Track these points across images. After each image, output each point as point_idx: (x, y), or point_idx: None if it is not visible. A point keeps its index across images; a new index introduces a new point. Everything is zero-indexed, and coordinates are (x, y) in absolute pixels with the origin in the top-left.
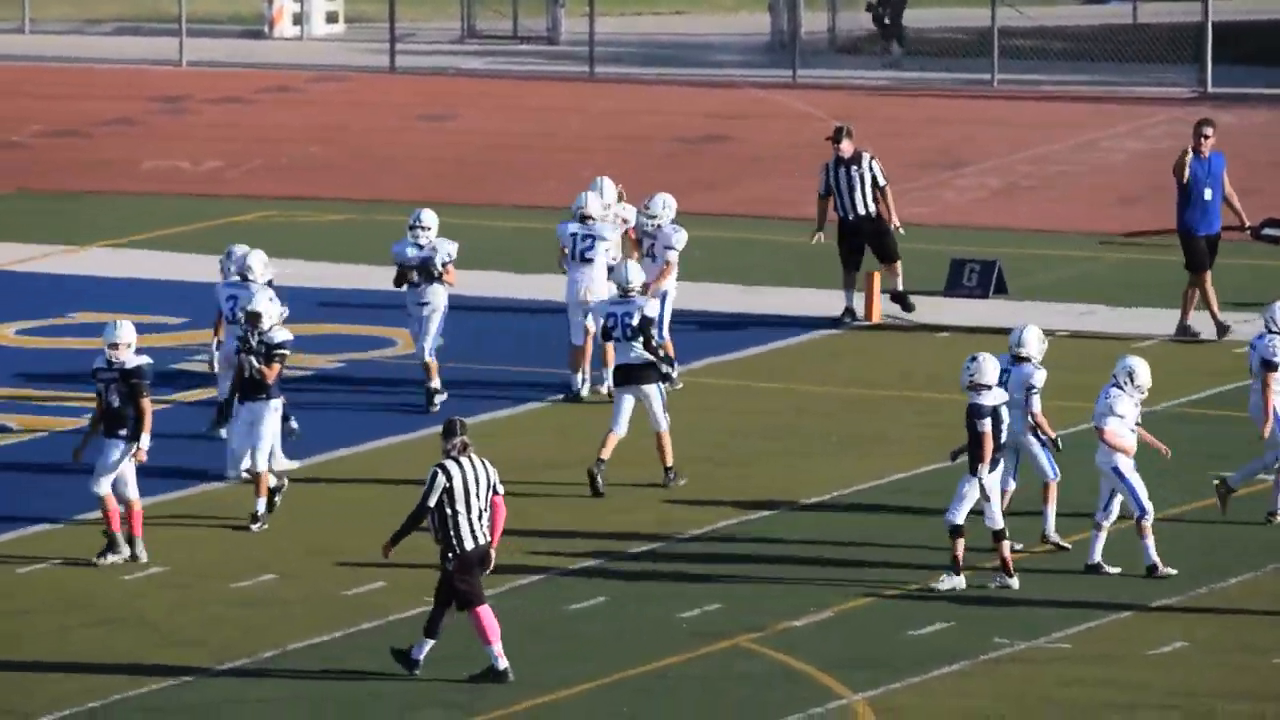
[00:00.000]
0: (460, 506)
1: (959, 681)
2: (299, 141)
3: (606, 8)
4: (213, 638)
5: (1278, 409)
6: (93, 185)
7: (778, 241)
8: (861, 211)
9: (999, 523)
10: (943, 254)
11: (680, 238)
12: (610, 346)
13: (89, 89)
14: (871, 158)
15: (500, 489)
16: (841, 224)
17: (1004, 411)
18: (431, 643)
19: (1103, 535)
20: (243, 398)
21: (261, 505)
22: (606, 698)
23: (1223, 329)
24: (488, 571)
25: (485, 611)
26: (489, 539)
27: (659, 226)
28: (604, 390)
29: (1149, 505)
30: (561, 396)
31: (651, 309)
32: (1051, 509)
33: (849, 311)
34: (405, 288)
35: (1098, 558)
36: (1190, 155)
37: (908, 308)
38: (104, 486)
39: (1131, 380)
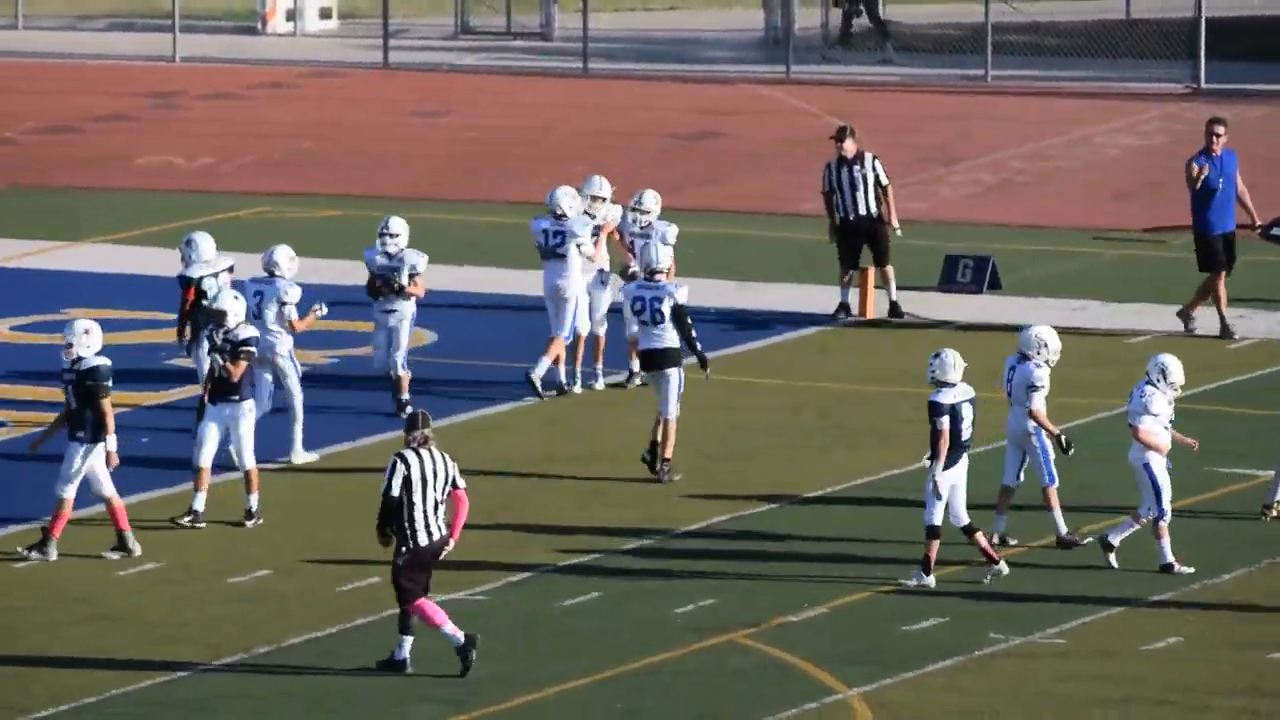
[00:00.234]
0: (416, 498)
1: (954, 677)
2: (292, 137)
3: (600, 4)
4: (208, 633)
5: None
6: (86, 181)
7: (771, 237)
8: (862, 211)
9: (964, 519)
10: (937, 250)
11: (672, 232)
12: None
13: (82, 85)
14: (874, 158)
15: (461, 483)
16: (841, 223)
17: (965, 409)
18: (410, 639)
19: (1135, 528)
20: (214, 398)
21: (254, 501)
22: (600, 694)
23: (1226, 331)
24: (440, 557)
25: (425, 602)
26: (444, 534)
27: (650, 224)
28: (598, 386)
29: (1169, 508)
30: (554, 392)
31: (683, 295)
32: (1057, 512)
33: (843, 307)
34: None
35: (1116, 540)
36: (1201, 168)
37: (897, 315)
38: (63, 490)
39: (1165, 377)
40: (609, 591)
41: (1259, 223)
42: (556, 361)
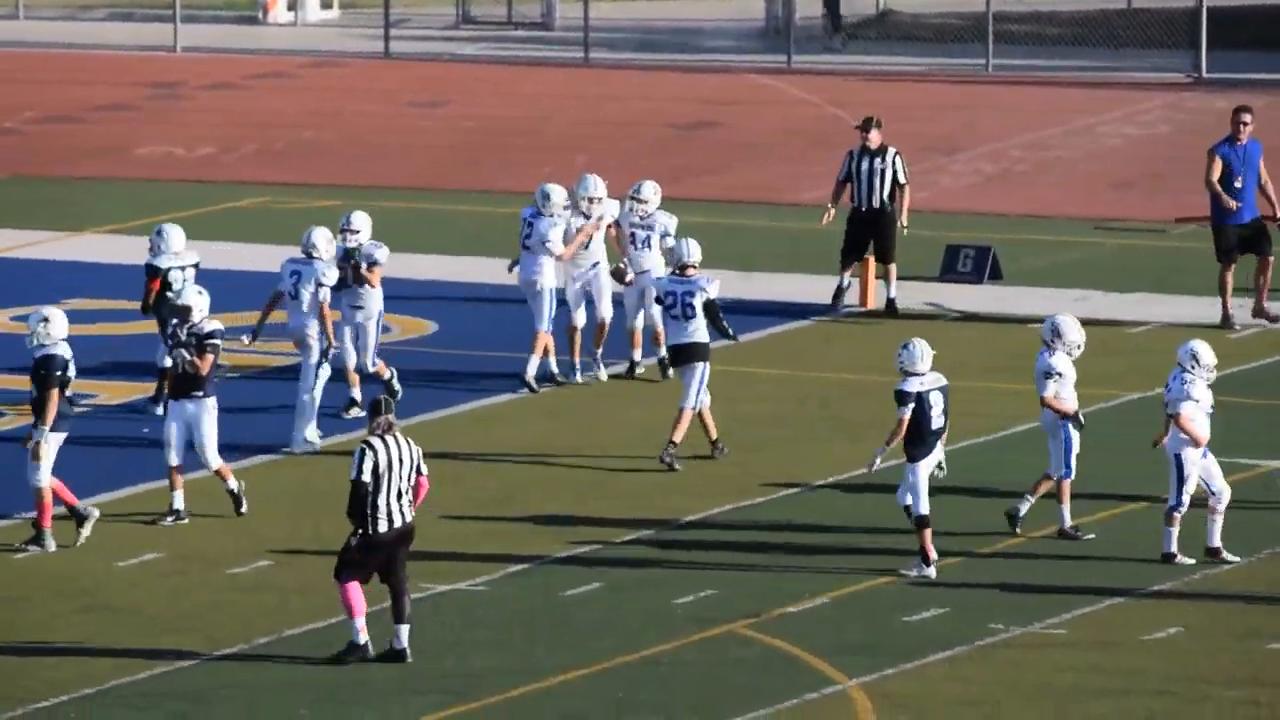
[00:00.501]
0: (381, 485)
1: (954, 667)
2: (293, 127)
3: None
4: (208, 624)
5: None
6: (87, 171)
7: (772, 227)
8: (876, 204)
9: (921, 507)
10: (938, 240)
11: (673, 223)
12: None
13: (83, 75)
14: (897, 153)
15: (424, 469)
16: (854, 212)
17: (935, 398)
18: (406, 627)
19: (1219, 519)
20: (176, 394)
21: (233, 484)
22: (601, 684)
23: (1227, 322)
24: (408, 544)
25: (356, 588)
26: (406, 521)
27: (649, 214)
28: (601, 376)
29: (1186, 500)
30: (549, 384)
31: (715, 290)
32: (1066, 505)
33: (840, 291)
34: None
35: (1216, 541)
36: (1213, 161)
37: (893, 312)
38: (36, 480)
39: (1197, 362)
40: (610, 582)
41: (1279, 215)
42: (546, 353)
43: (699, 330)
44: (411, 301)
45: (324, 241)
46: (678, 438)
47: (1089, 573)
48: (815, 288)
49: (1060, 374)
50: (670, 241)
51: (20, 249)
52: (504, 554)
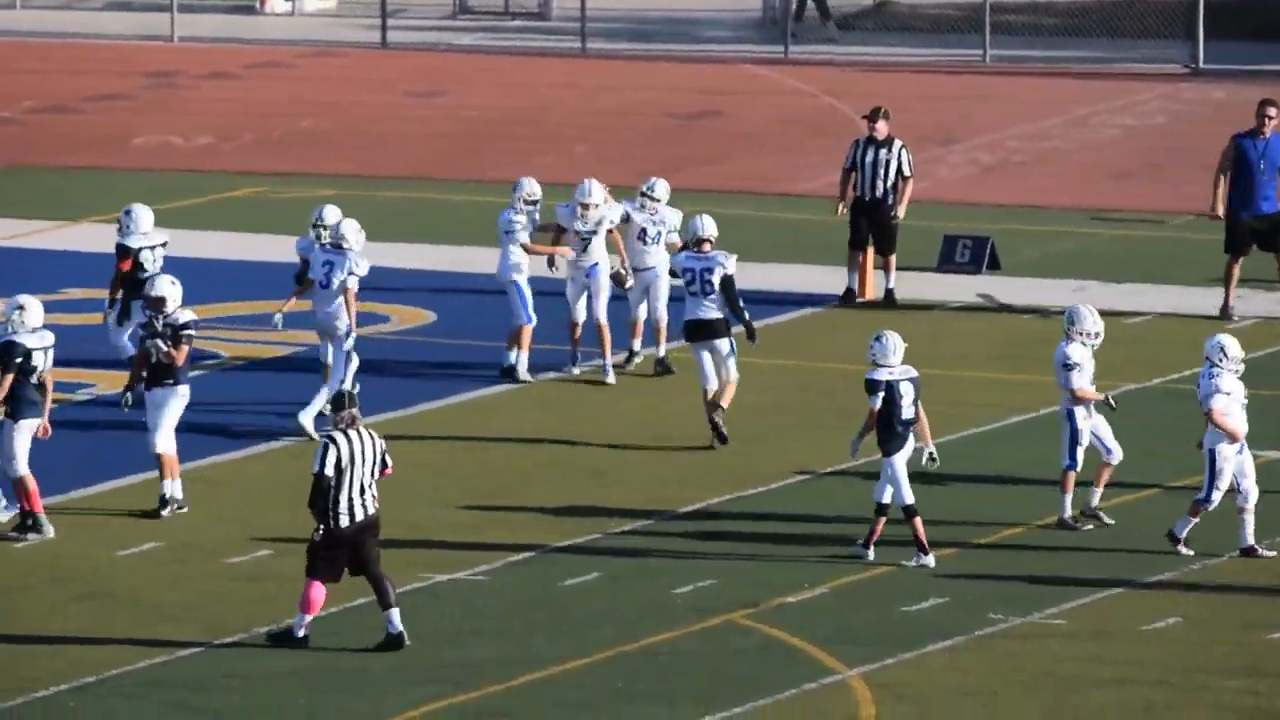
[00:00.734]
0: (343, 480)
1: (953, 657)
2: (291, 117)
3: None
4: (209, 613)
5: None
6: (84, 161)
7: (770, 217)
8: (878, 194)
9: (884, 497)
10: (936, 230)
11: (679, 218)
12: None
13: (80, 65)
14: (903, 146)
15: (389, 463)
16: (857, 201)
17: (905, 388)
18: (395, 610)
19: (1248, 519)
20: (149, 384)
21: (169, 487)
22: (600, 674)
23: (1226, 312)
24: (375, 534)
25: (318, 588)
26: (368, 514)
27: (657, 210)
28: (609, 380)
29: (1217, 497)
30: (558, 373)
31: (733, 265)
32: (1068, 496)
33: (850, 292)
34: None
35: (1250, 541)
36: (1227, 153)
37: (891, 302)
38: (14, 470)
39: (1225, 355)
40: (609, 572)
41: None
42: (520, 346)
43: (717, 306)
44: (410, 291)
45: (352, 232)
46: (726, 404)
47: (1088, 563)
48: (816, 278)
49: (1078, 364)
50: (674, 238)
51: (18, 239)
52: (503, 543)
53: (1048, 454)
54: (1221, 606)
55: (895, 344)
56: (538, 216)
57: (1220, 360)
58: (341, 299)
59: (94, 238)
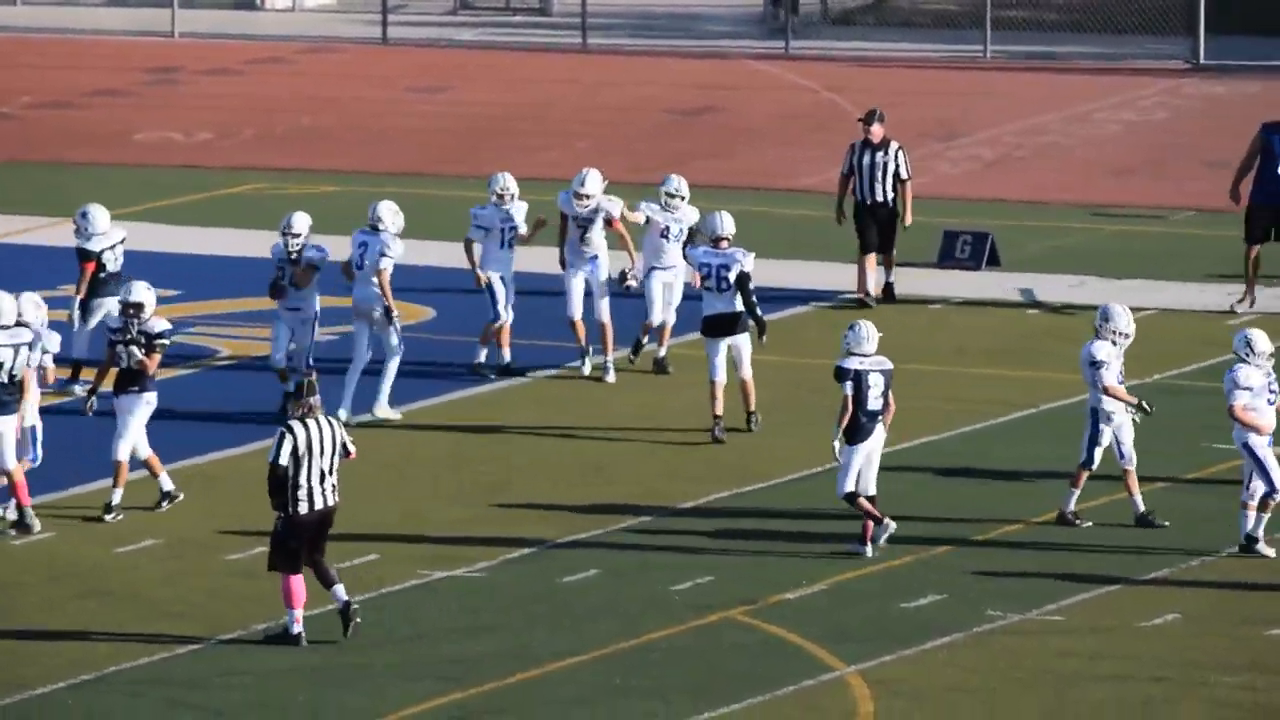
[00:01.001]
0: (301, 468)
1: (951, 654)
2: (291, 113)
3: None
4: (207, 610)
5: None
6: (84, 157)
7: (771, 213)
8: (879, 198)
9: (870, 490)
10: (936, 226)
11: (696, 215)
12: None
13: (80, 60)
14: (899, 148)
15: (352, 450)
16: (858, 206)
17: (875, 379)
18: (339, 585)
19: (1251, 513)
20: (118, 390)
21: (118, 496)
22: (598, 670)
23: (1243, 304)
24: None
25: (297, 580)
26: (327, 504)
27: (679, 207)
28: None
29: None
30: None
31: (750, 264)
32: (1076, 492)
33: (864, 298)
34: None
35: (1254, 532)
36: (1254, 143)
37: (891, 299)
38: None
39: (1252, 349)
40: (607, 568)
41: None
42: (489, 342)
43: (736, 301)
44: (410, 291)
45: (389, 214)
46: (753, 406)
47: (1086, 559)
48: (816, 274)
49: (1104, 361)
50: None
51: (17, 235)
52: (502, 539)
53: (1046, 450)
54: (1220, 602)
55: (869, 333)
56: (512, 211)
57: (1246, 355)
58: (377, 280)
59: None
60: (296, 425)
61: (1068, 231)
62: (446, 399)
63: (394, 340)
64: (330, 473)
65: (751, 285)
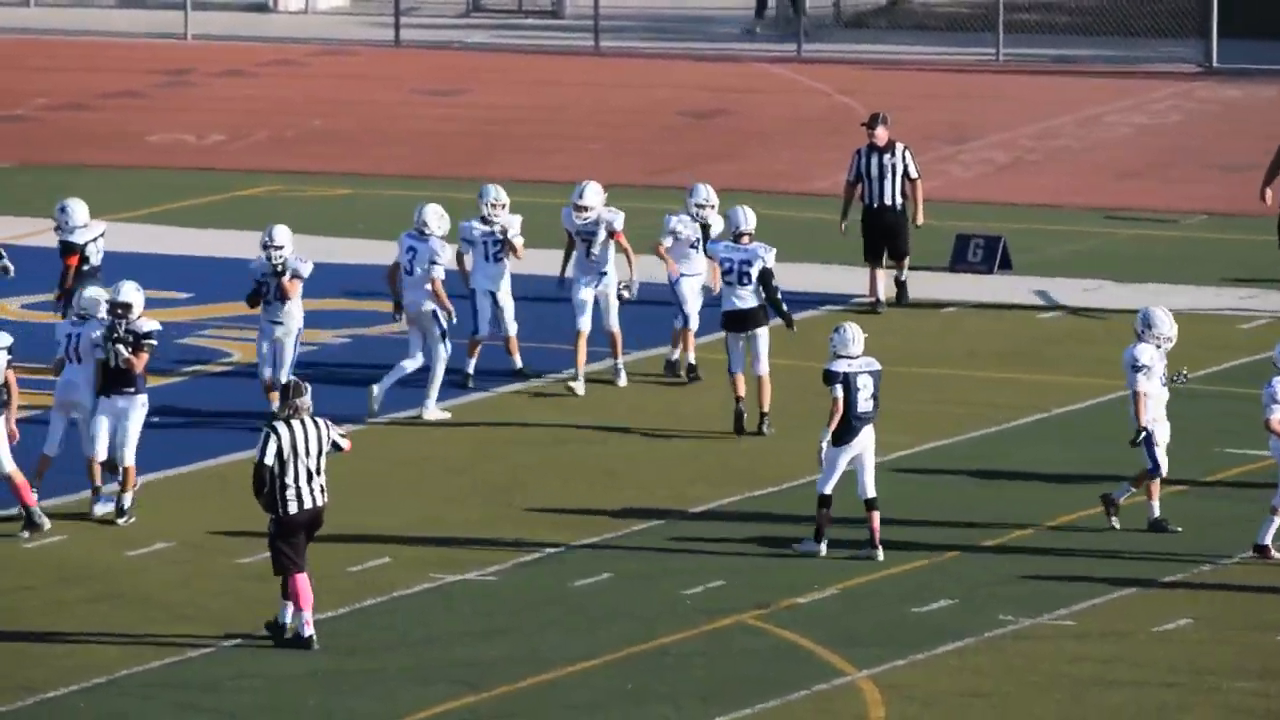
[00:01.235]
0: (287, 468)
1: (963, 658)
2: (304, 115)
3: None
4: (218, 613)
5: None
6: (97, 158)
7: (782, 216)
8: (888, 202)
9: (869, 492)
10: (948, 229)
11: (720, 223)
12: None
13: (93, 62)
14: (905, 149)
15: (343, 444)
16: (866, 211)
17: (863, 380)
18: (290, 606)
19: (1276, 520)
20: (106, 390)
21: (128, 499)
22: (610, 674)
23: None
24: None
25: (302, 579)
26: (316, 505)
27: (708, 215)
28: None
29: None
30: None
31: (772, 258)
32: (1155, 497)
33: (876, 304)
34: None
35: (1267, 540)
36: None
37: (903, 299)
38: None
39: None
40: (619, 572)
41: None
42: (506, 349)
43: (756, 296)
44: None
45: (435, 218)
46: (766, 407)
47: (1098, 564)
48: (828, 277)
49: (1147, 365)
50: (668, 241)
51: (31, 237)
52: (514, 543)
53: (1058, 454)
54: (1233, 608)
55: (855, 335)
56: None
57: None
58: (429, 287)
59: (105, 236)
60: (281, 426)
61: (1081, 235)
62: (455, 403)
63: (439, 343)
64: (318, 473)
65: (775, 281)
